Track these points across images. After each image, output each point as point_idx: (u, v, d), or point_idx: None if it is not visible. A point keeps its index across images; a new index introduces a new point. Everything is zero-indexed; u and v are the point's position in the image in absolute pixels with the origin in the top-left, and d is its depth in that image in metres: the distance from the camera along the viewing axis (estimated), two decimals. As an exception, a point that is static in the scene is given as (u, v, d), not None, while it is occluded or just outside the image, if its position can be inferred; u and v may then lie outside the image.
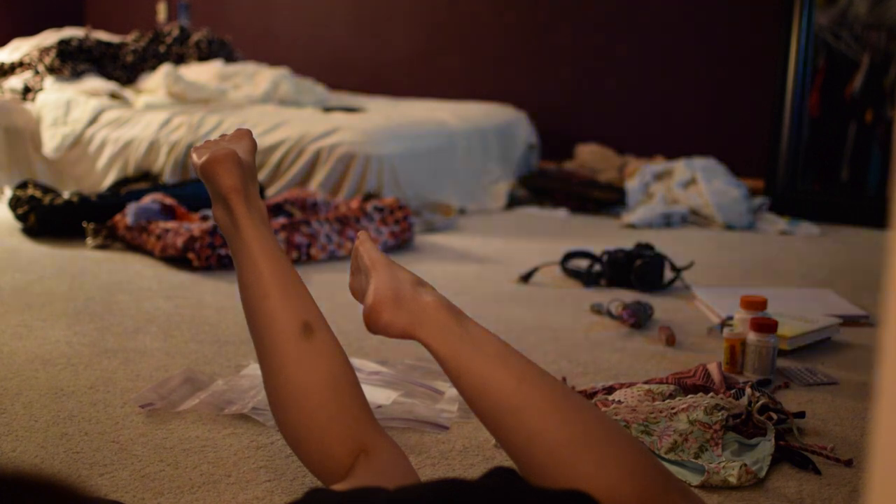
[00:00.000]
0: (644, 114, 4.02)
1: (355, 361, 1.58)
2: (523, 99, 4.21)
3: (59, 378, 1.53)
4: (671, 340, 1.80)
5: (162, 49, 4.00)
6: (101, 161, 3.32)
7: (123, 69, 3.81)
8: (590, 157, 3.86)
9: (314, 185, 3.08)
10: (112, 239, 2.55)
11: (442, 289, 1.10)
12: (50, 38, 3.97)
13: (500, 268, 2.46)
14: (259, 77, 3.89)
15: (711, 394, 1.35)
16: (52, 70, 3.61)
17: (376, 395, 1.44)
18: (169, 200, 2.63)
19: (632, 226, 3.16)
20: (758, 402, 1.36)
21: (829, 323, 1.81)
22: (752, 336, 1.58)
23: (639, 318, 1.91)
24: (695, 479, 1.20)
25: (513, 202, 3.55)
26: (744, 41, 3.79)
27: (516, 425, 0.91)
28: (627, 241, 2.57)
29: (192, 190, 2.82)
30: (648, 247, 2.31)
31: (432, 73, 4.52)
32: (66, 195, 2.71)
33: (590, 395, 1.46)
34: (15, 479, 0.46)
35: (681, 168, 3.41)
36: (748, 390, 1.38)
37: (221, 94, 3.67)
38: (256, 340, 1.07)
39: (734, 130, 3.84)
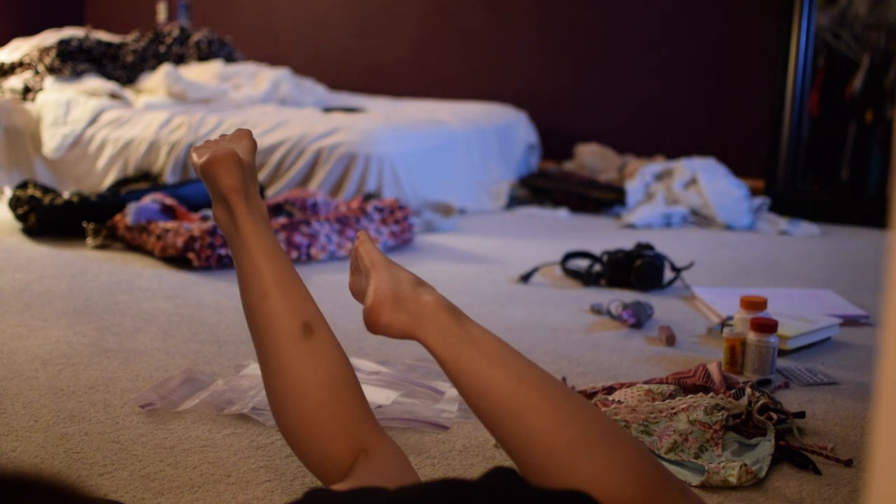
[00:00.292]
0: (644, 114, 4.02)
1: (355, 361, 1.58)
2: (523, 99, 4.21)
3: (59, 378, 1.53)
4: (671, 340, 1.80)
5: (162, 49, 4.00)
6: (101, 161, 3.32)
7: (123, 69, 3.81)
8: (590, 157, 3.86)
9: (314, 185, 3.08)
10: (112, 239, 2.55)
11: (442, 289, 1.10)
12: (50, 38, 3.97)
13: (500, 268, 2.46)
14: (259, 77, 3.89)
15: (711, 394, 1.35)
16: (52, 70, 3.61)
17: (376, 395, 1.44)
18: (169, 200, 2.63)
19: (632, 226, 3.16)
20: (758, 402, 1.36)
21: (829, 323, 1.81)
22: (752, 336, 1.58)
23: (639, 318, 1.91)
24: (695, 479, 1.20)
25: (513, 202, 3.55)
26: (744, 41, 3.79)
27: (516, 426, 0.91)
28: (627, 241, 2.57)
29: (192, 190, 2.82)
30: (648, 247, 2.31)
31: (432, 73, 4.52)
32: (66, 195, 2.71)
33: (590, 395, 1.46)
34: (15, 479, 0.46)
35: (681, 168, 3.41)
36: (748, 390, 1.38)
37: (222, 94, 3.67)
38: (256, 340, 1.07)
39: (734, 130, 3.84)
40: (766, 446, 1.27)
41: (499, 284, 2.29)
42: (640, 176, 3.43)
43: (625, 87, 4.06)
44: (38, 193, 2.72)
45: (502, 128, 3.81)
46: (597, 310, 2.03)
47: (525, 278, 2.30)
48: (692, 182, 3.36)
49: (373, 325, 1.00)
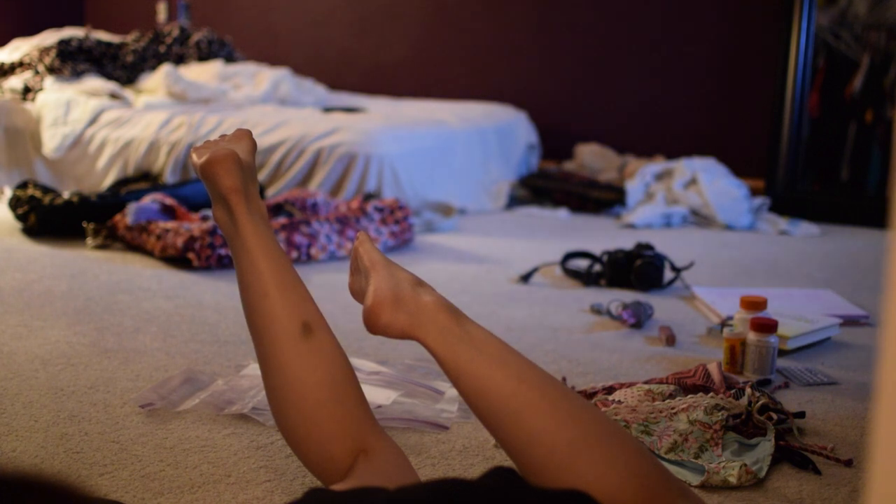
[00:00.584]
0: (644, 114, 4.02)
1: (355, 361, 1.58)
2: (523, 99, 4.21)
3: (59, 378, 1.53)
4: (671, 340, 1.80)
5: (162, 49, 4.00)
6: (101, 161, 3.32)
7: (123, 69, 3.81)
8: (590, 157, 3.86)
9: (314, 185, 3.08)
10: (112, 239, 2.55)
11: (442, 289, 1.10)
12: (50, 38, 3.97)
13: (500, 268, 2.46)
14: (259, 77, 3.89)
15: (711, 394, 1.35)
16: (52, 70, 3.61)
17: (376, 395, 1.44)
18: (169, 200, 2.63)
19: (632, 226, 3.16)
20: (758, 402, 1.36)
21: (829, 323, 1.81)
22: (752, 336, 1.58)
23: (639, 318, 1.91)
24: (695, 479, 1.20)
25: (513, 202, 3.55)
26: (744, 41, 3.79)
27: (516, 426, 0.91)
28: (627, 241, 2.57)
29: (192, 190, 2.82)
30: (648, 247, 2.31)
31: (432, 73, 4.52)
32: (66, 195, 2.71)
33: (590, 395, 1.46)
34: (15, 479, 0.46)
35: (681, 168, 3.41)
36: (748, 390, 1.38)
37: (222, 94, 3.67)
38: (256, 340, 1.07)
39: (734, 130, 3.84)
40: (766, 446, 1.27)
41: (499, 284, 2.29)
42: (640, 176, 3.43)
43: (625, 87, 4.06)
44: (38, 193, 2.72)
45: (502, 128, 3.81)
46: (597, 310, 2.03)
47: (525, 278, 2.30)
48: (692, 182, 3.36)
49: (372, 325, 1.00)
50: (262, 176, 3.15)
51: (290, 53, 4.84)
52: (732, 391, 1.40)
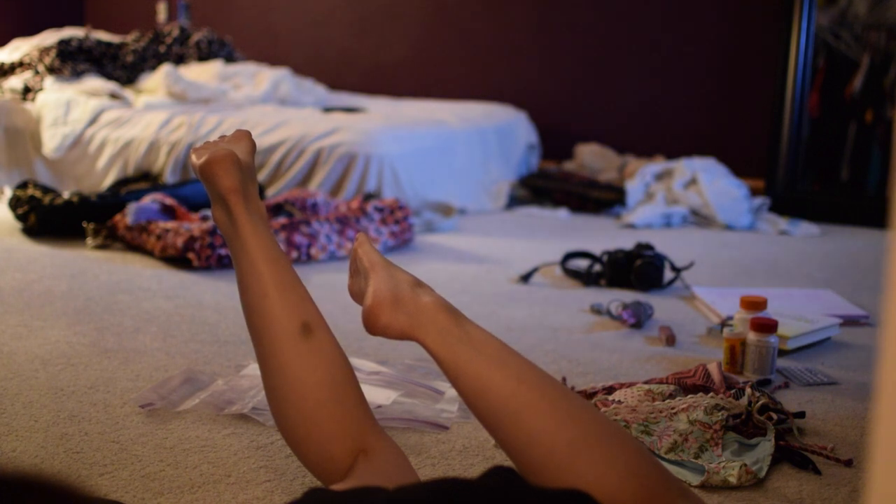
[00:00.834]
0: (644, 114, 4.02)
1: (355, 361, 1.58)
2: (523, 99, 4.21)
3: (59, 378, 1.53)
4: (671, 340, 1.80)
5: (162, 49, 4.00)
6: (101, 161, 3.32)
7: (123, 69, 3.81)
8: (590, 157, 3.86)
9: (314, 185, 3.08)
10: (112, 239, 2.55)
11: (442, 289, 1.10)
12: (50, 38, 3.97)
13: (500, 268, 2.46)
14: (259, 77, 3.89)
15: (711, 394, 1.35)
16: (52, 70, 3.61)
17: (376, 395, 1.44)
18: (169, 200, 2.63)
19: (632, 226, 3.16)
20: (758, 402, 1.36)
21: (829, 323, 1.81)
22: (752, 336, 1.58)
23: (639, 318, 1.91)
24: (695, 479, 1.20)
25: (513, 202, 3.55)
26: (744, 41, 3.79)
27: (515, 426, 0.91)
28: (627, 241, 2.57)
29: (192, 190, 2.82)
30: (648, 247, 2.31)
31: (432, 73, 4.52)
32: (66, 195, 2.71)
33: (590, 395, 1.46)
34: (15, 479, 0.46)
35: (681, 168, 3.41)
36: (748, 390, 1.38)
37: (222, 94, 3.67)
38: (255, 340, 1.07)
39: (734, 130, 3.84)
40: (766, 446, 1.27)
41: (499, 284, 2.29)
42: (640, 176, 3.43)
43: (625, 87, 4.06)
44: (38, 193, 2.72)
45: (502, 128, 3.81)
46: (597, 310, 2.03)
47: (525, 278, 2.30)
48: (692, 182, 3.36)
49: (372, 326, 1.00)
50: (262, 176, 3.15)
51: (290, 53, 4.84)
52: (732, 391, 1.40)
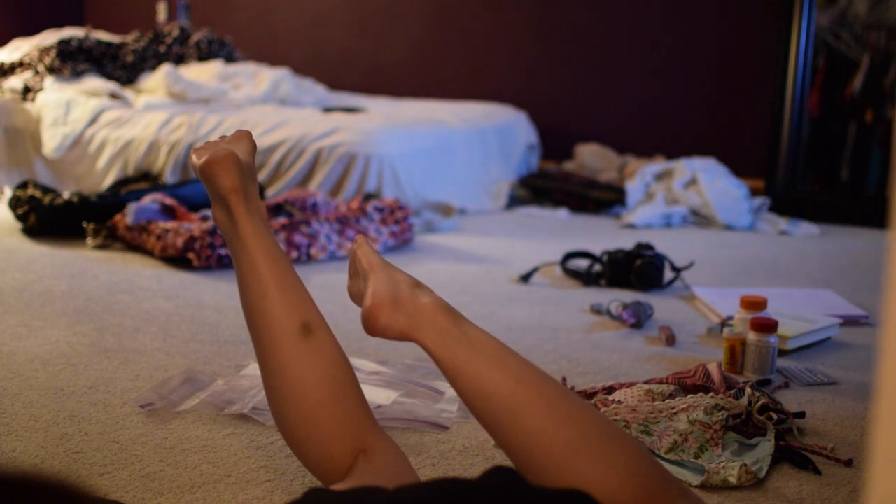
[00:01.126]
0: (644, 114, 4.02)
1: (355, 361, 1.58)
2: (523, 99, 4.21)
3: (59, 378, 1.53)
4: (671, 340, 1.80)
5: (162, 49, 4.00)
6: (101, 161, 3.32)
7: (123, 69, 3.81)
8: (590, 157, 3.86)
9: (314, 185, 3.08)
10: (112, 239, 2.55)
11: (442, 289, 1.10)
12: (50, 38, 3.97)
13: (500, 268, 2.46)
14: (259, 77, 3.89)
15: (711, 394, 1.35)
16: (52, 70, 3.61)
17: (376, 395, 1.44)
18: (169, 200, 2.63)
19: (632, 226, 3.16)
20: (758, 402, 1.36)
21: (829, 323, 1.81)
22: (752, 336, 1.58)
23: (639, 318, 1.91)
24: (695, 479, 1.20)
25: (513, 202, 3.55)
26: (744, 41, 3.79)
27: (514, 426, 0.91)
28: (627, 241, 2.57)
29: (192, 190, 2.82)
30: (648, 247, 2.31)
31: (432, 73, 4.52)
32: (66, 195, 2.71)
33: (590, 395, 1.46)
34: (15, 479, 0.46)
35: (681, 168, 3.41)
36: (748, 390, 1.38)
37: (222, 94, 3.67)
38: (255, 340, 1.07)
39: (734, 130, 3.84)
40: (766, 446, 1.27)
41: (499, 284, 2.29)
42: (640, 176, 3.43)
43: (625, 87, 4.06)
44: (38, 193, 2.72)
45: (502, 128, 3.81)
46: (597, 310, 2.03)
47: (525, 278, 2.30)
48: (692, 182, 3.36)
49: (371, 326, 1.00)
50: (262, 176, 3.15)
51: (290, 53, 4.84)
52: (732, 391, 1.40)
